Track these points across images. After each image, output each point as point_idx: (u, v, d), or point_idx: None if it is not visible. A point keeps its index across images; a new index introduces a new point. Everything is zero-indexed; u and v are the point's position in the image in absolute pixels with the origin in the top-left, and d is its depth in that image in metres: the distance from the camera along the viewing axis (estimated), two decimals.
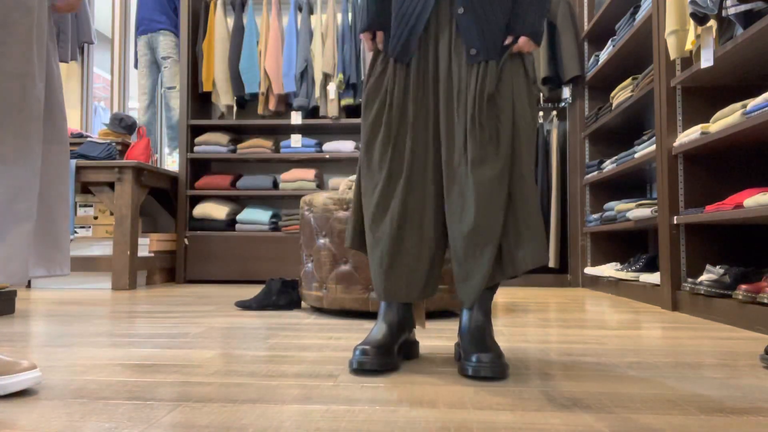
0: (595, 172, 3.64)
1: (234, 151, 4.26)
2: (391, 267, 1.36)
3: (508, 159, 1.35)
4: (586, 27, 3.96)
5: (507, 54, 1.39)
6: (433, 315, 2.31)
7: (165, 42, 4.45)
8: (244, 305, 2.50)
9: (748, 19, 2.01)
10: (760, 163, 2.45)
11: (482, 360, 1.23)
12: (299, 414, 0.98)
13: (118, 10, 5.04)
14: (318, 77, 4.09)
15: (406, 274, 1.36)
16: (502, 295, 3.22)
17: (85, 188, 3.93)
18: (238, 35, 4.26)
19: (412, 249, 1.36)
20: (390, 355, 1.32)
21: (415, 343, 1.47)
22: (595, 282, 3.67)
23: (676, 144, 2.45)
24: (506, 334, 1.83)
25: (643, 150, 2.83)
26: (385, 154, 1.40)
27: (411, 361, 1.43)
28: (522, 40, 1.38)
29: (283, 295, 2.54)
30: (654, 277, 2.74)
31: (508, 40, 1.39)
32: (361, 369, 1.29)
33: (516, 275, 1.35)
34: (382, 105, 1.43)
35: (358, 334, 1.83)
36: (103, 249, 3.66)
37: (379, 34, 1.46)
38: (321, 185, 4.20)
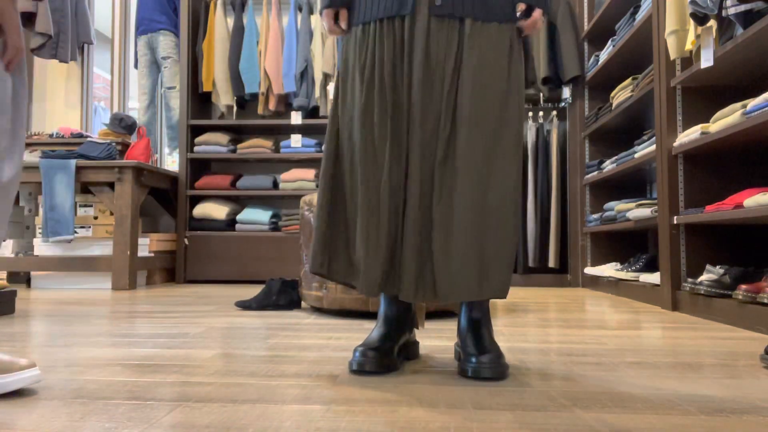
0: (595, 172, 3.64)
1: (234, 151, 4.26)
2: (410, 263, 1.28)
3: (488, 156, 1.24)
4: (586, 27, 3.96)
5: (516, 28, 1.27)
6: (433, 315, 2.31)
7: (165, 42, 4.45)
8: (244, 305, 2.50)
9: (748, 19, 2.01)
10: (760, 163, 2.45)
11: (482, 361, 1.23)
12: (299, 414, 0.98)
13: (118, 10, 5.04)
14: (318, 77, 4.09)
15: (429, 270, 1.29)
16: None
17: (85, 188, 3.93)
18: (238, 35, 4.26)
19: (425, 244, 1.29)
20: (389, 357, 1.30)
21: (416, 344, 1.46)
22: (595, 282, 3.67)
23: (676, 144, 2.45)
24: (506, 334, 1.83)
25: (643, 150, 2.83)
26: (383, 143, 1.29)
27: (411, 361, 1.43)
28: (537, 14, 1.27)
29: (283, 295, 2.54)
30: (654, 277, 2.74)
31: (521, 7, 1.27)
32: (360, 370, 1.27)
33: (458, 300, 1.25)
34: (371, 84, 1.32)
35: (358, 334, 1.83)
36: (103, 249, 3.66)
37: (343, 13, 1.36)
38: None
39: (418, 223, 1.26)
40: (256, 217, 4.08)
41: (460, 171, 1.25)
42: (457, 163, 1.25)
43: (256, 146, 4.17)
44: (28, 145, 4.17)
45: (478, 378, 1.23)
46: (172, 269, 4.22)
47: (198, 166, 4.37)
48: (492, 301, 2.90)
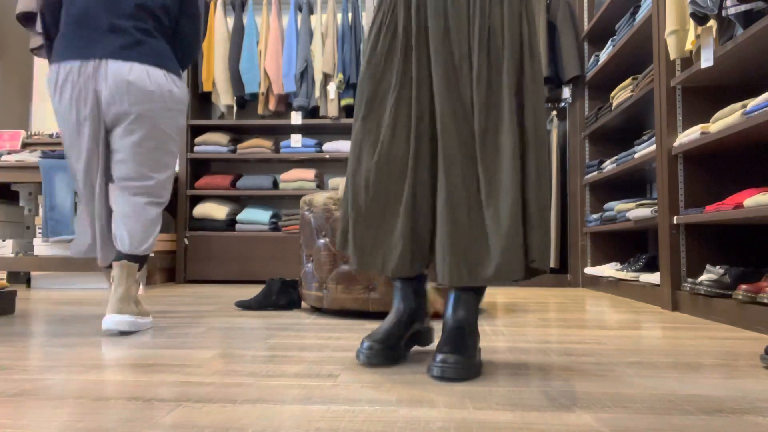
0: (595, 172, 3.64)
1: (234, 151, 4.26)
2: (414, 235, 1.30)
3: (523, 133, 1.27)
4: (586, 27, 3.96)
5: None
6: (434, 315, 2.30)
7: None
8: (244, 305, 2.50)
9: (748, 19, 2.01)
10: (760, 163, 2.45)
11: (447, 361, 1.21)
12: (299, 414, 0.98)
13: None
14: (318, 77, 4.09)
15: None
16: (502, 295, 3.22)
17: None
18: (238, 35, 4.26)
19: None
20: (395, 349, 1.35)
21: (429, 330, 1.48)
22: (595, 282, 3.67)
23: (676, 144, 2.45)
24: (506, 334, 1.83)
25: (643, 150, 2.83)
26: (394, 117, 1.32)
27: (412, 361, 1.43)
28: None
29: (283, 295, 2.54)
30: (654, 277, 2.74)
31: None
32: (368, 363, 1.33)
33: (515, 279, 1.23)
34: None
35: (358, 334, 1.83)
36: None
37: None
38: (321, 185, 4.21)
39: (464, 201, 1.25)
40: (256, 217, 4.08)
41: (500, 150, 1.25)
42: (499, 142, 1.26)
43: (256, 146, 4.17)
44: (28, 145, 4.17)
45: (442, 379, 1.22)
46: (172, 269, 4.22)
47: (198, 166, 4.37)
48: (492, 300, 2.90)
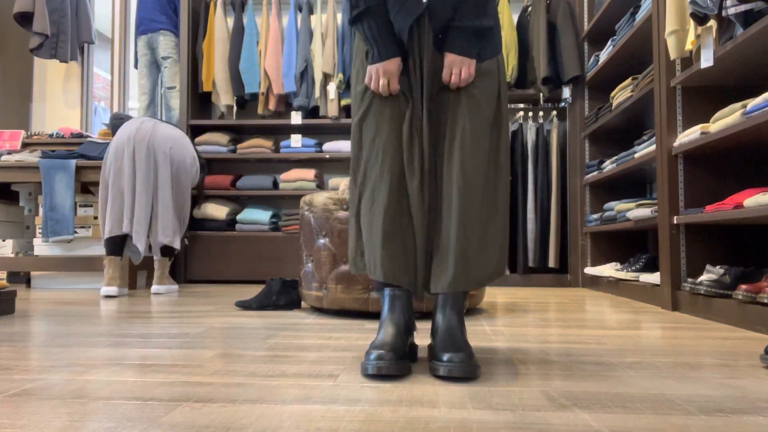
0: (595, 172, 3.64)
1: (234, 151, 4.26)
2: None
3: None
4: (586, 27, 3.96)
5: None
6: (429, 315, 2.30)
7: (165, 42, 4.45)
8: (244, 305, 2.50)
9: (748, 19, 2.01)
10: (760, 163, 2.45)
11: (453, 360, 1.21)
12: (299, 414, 0.98)
13: (118, 10, 5.04)
14: (318, 77, 4.09)
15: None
16: (502, 295, 3.22)
17: (85, 188, 3.93)
18: (238, 35, 4.26)
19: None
20: (405, 359, 1.28)
21: (416, 347, 1.46)
22: (595, 282, 3.67)
23: (676, 144, 2.45)
24: (506, 334, 1.83)
25: (643, 150, 2.83)
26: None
27: (412, 363, 1.42)
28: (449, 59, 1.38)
29: (283, 295, 2.54)
30: (654, 277, 2.74)
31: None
32: (378, 374, 1.23)
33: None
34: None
35: (358, 334, 1.83)
36: (103, 249, 3.66)
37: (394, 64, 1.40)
38: (321, 185, 4.21)
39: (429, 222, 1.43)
40: (256, 217, 4.08)
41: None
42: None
43: (256, 146, 4.17)
44: (28, 145, 4.17)
45: (450, 378, 1.22)
46: (173, 269, 4.22)
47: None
48: (492, 300, 2.90)
